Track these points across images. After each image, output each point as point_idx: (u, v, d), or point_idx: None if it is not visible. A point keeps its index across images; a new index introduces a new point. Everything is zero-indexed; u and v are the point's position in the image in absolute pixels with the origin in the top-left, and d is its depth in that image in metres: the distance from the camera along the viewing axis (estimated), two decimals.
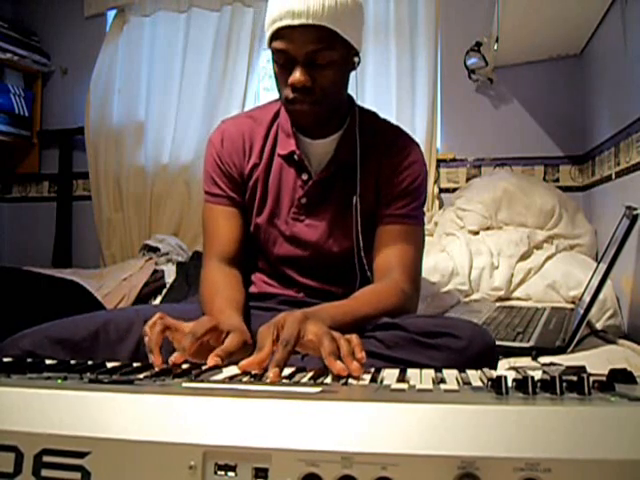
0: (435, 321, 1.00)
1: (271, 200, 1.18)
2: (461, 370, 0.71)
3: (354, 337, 0.76)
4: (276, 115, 1.19)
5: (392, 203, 1.16)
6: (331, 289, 1.19)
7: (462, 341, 0.90)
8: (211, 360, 0.75)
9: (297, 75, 1.02)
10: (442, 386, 0.58)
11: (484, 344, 0.93)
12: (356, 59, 1.12)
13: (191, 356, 0.78)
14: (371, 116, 1.24)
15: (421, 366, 0.85)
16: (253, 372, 0.72)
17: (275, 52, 1.05)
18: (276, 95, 1.16)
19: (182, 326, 0.82)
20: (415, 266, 1.15)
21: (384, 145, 1.18)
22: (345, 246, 1.17)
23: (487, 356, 0.93)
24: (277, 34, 1.02)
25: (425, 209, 1.24)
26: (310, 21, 0.99)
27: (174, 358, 0.74)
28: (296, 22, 0.99)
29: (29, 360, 0.71)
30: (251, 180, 1.18)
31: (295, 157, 1.15)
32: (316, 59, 1.03)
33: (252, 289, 1.22)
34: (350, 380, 0.67)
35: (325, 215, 1.17)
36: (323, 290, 1.19)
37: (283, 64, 1.05)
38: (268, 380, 0.66)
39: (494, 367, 0.95)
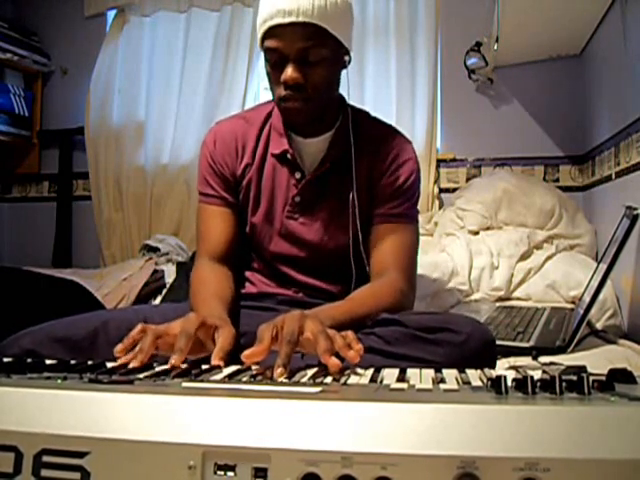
0: (434, 317, 1.00)
1: (265, 199, 1.19)
2: (461, 368, 0.71)
3: (350, 333, 0.77)
4: (269, 115, 1.21)
5: (386, 202, 1.17)
6: (329, 287, 1.20)
7: (461, 335, 0.91)
8: (216, 363, 0.77)
9: (289, 72, 1.03)
10: (442, 386, 0.58)
11: (483, 338, 0.94)
12: (347, 57, 1.13)
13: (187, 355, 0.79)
14: (363, 115, 1.24)
15: (421, 361, 0.87)
16: (254, 369, 0.73)
17: (267, 51, 1.06)
18: None
19: (170, 328, 0.82)
20: (410, 265, 1.16)
21: (376, 143, 1.18)
22: (340, 243, 1.17)
23: (486, 351, 0.94)
24: (268, 33, 1.04)
25: (425, 209, 1.25)
26: (300, 19, 1.01)
27: (174, 361, 0.74)
28: (286, 20, 1.01)
29: (29, 360, 0.71)
30: (244, 180, 1.19)
31: (288, 156, 1.16)
32: (307, 56, 1.04)
33: (251, 289, 1.23)
34: (350, 380, 0.68)
35: (320, 213, 1.18)
36: (321, 288, 1.20)
37: (275, 63, 1.06)
38: (277, 375, 0.66)
39: (493, 362, 0.97)
